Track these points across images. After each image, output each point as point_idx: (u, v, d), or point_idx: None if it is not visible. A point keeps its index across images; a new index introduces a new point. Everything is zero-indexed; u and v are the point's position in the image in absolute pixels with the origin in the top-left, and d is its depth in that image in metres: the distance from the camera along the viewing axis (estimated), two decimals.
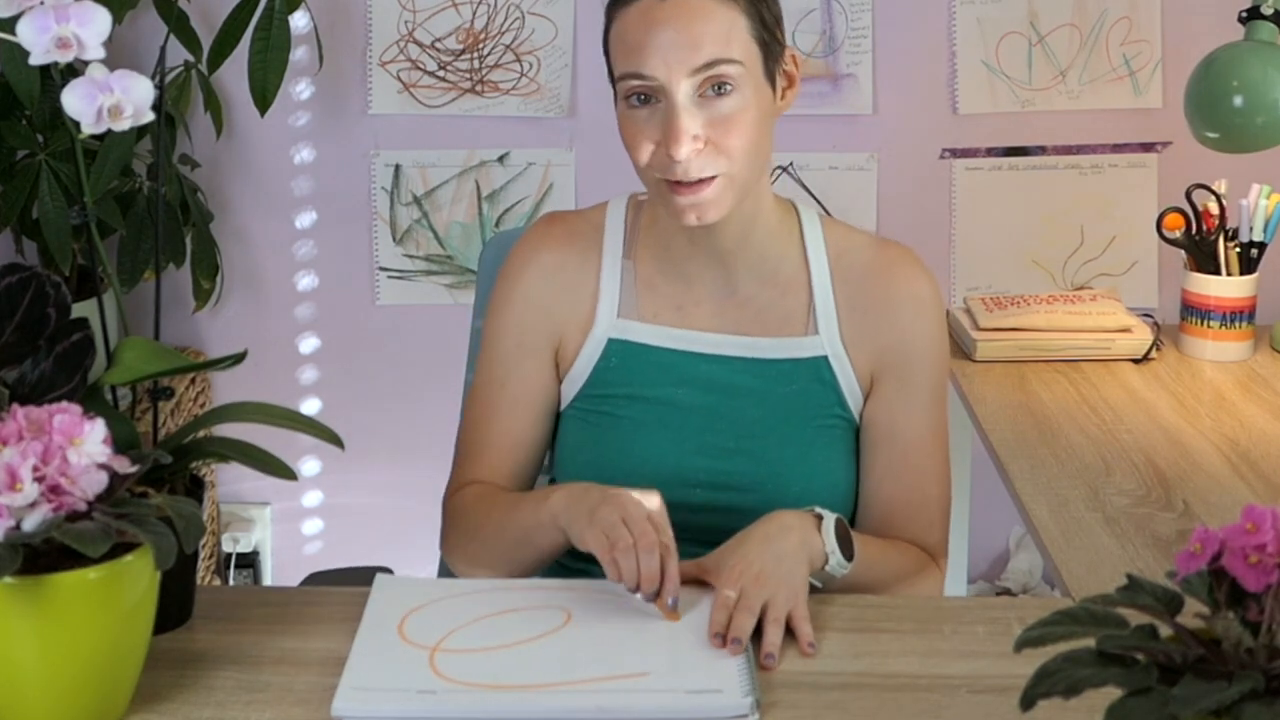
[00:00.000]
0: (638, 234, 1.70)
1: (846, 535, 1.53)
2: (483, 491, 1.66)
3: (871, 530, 1.68)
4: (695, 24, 1.52)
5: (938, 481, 1.69)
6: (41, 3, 1.36)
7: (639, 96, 1.55)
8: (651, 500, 1.46)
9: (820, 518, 1.52)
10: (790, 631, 1.41)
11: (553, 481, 1.75)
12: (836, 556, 1.50)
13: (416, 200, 2.84)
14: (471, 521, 1.64)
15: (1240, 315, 2.40)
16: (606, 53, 1.61)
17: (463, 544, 1.66)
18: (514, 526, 1.58)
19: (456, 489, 1.70)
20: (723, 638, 1.38)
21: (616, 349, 1.67)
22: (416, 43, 2.78)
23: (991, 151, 2.83)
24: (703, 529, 1.60)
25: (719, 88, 1.53)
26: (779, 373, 1.66)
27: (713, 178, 1.54)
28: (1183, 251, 2.46)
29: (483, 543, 1.62)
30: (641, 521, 1.42)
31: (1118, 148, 2.82)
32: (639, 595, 1.40)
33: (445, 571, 1.83)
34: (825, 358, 1.66)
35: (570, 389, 1.69)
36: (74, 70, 1.40)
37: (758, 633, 1.40)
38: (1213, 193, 2.42)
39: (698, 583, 1.49)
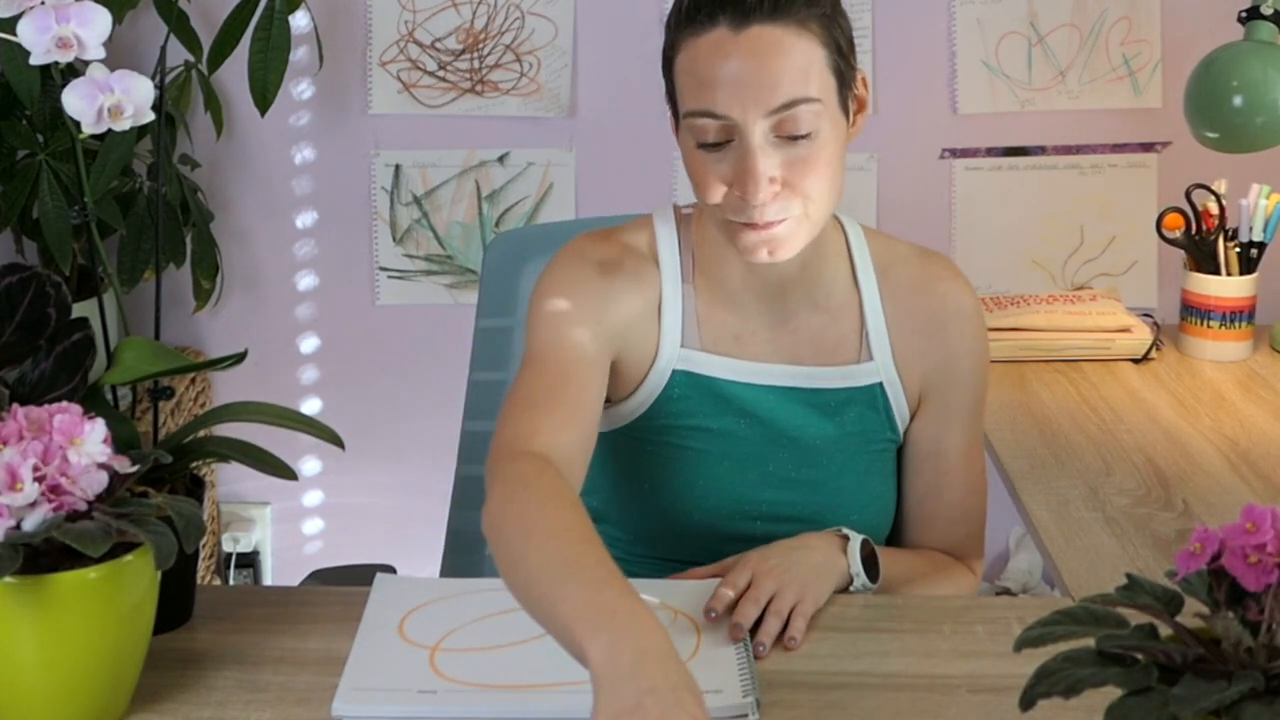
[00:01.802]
0: (691, 256, 1.62)
1: (872, 555, 1.53)
2: (558, 500, 1.37)
3: (911, 542, 1.68)
4: (774, 60, 1.42)
5: (977, 492, 1.69)
6: (42, 3, 1.36)
7: (710, 137, 1.45)
8: (688, 708, 1.14)
9: (846, 539, 1.52)
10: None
11: (586, 493, 1.71)
12: (861, 579, 1.51)
13: (416, 200, 2.84)
14: (519, 527, 1.34)
15: (1240, 315, 2.40)
16: (668, 76, 1.51)
17: (511, 537, 1.34)
18: (546, 605, 1.26)
19: (523, 451, 1.43)
20: (718, 615, 1.40)
21: (681, 380, 1.61)
22: (416, 43, 2.78)
23: (991, 151, 2.82)
24: None
25: (796, 127, 1.44)
26: (835, 402, 1.63)
27: (788, 217, 1.47)
28: (1182, 251, 2.46)
29: (511, 567, 1.32)
30: None
31: (1118, 148, 2.82)
32: None
33: (446, 571, 1.83)
34: (880, 384, 1.63)
35: (625, 415, 1.63)
36: (74, 70, 1.41)
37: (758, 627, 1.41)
38: (1212, 193, 2.42)
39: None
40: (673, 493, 1.63)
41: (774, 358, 1.62)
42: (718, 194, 1.47)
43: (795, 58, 1.43)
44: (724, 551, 1.60)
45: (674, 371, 1.61)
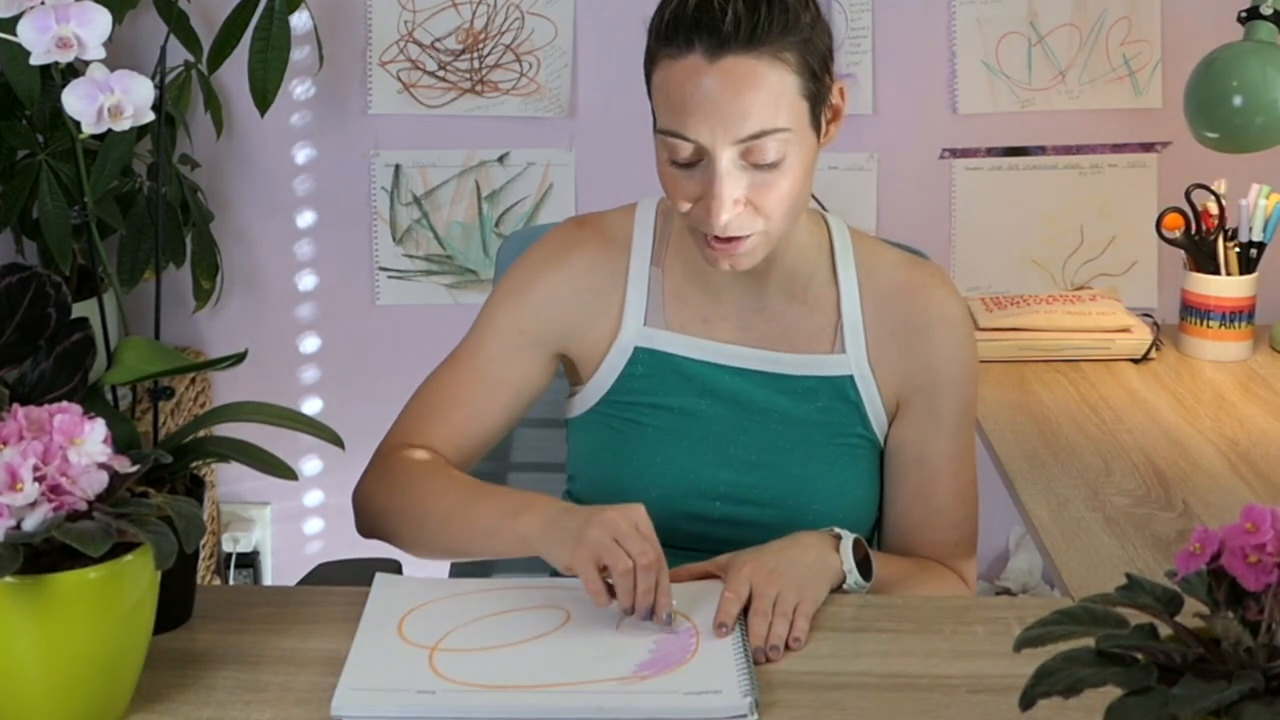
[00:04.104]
0: (667, 241, 1.67)
1: (865, 555, 1.53)
2: (436, 464, 1.61)
3: (898, 550, 1.67)
4: (745, 92, 1.45)
5: (966, 500, 1.68)
6: (42, 3, 1.36)
7: (681, 157, 1.49)
8: (637, 513, 1.41)
9: (839, 538, 1.52)
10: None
11: (570, 479, 1.76)
12: (854, 575, 1.51)
13: (416, 200, 2.84)
14: (415, 490, 1.59)
15: (1240, 315, 2.40)
16: (647, 84, 1.53)
17: (395, 506, 1.60)
18: (470, 524, 1.53)
19: (403, 443, 1.65)
20: (728, 629, 1.40)
21: (644, 357, 1.65)
22: (416, 43, 2.78)
23: (991, 151, 2.82)
24: (721, 541, 1.59)
25: (763, 156, 1.47)
26: (803, 389, 1.64)
27: (750, 234, 1.51)
28: (1182, 251, 2.46)
29: (421, 520, 1.58)
30: (637, 540, 1.38)
31: (1118, 148, 2.82)
32: (633, 616, 1.39)
33: (453, 571, 1.83)
34: (850, 377, 1.64)
35: (592, 395, 1.67)
36: (74, 70, 1.41)
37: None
38: (1212, 193, 2.42)
39: (706, 576, 1.51)
40: (631, 470, 1.65)
41: (743, 341, 1.65)
42: (684, 207, 1.52)
43: (767, 89, 1.46)
44: (682, 531, 1.62)
45: (636, 348, 1.65)
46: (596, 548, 1.38)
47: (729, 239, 1.51)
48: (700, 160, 1.49)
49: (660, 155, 1.52)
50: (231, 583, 2.96)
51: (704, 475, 1.64)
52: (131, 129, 1.40)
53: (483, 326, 1.68)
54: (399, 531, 1.60)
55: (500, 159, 2.83)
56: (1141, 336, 2.41)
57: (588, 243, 1.68)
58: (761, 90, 1.45)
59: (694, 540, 1.63)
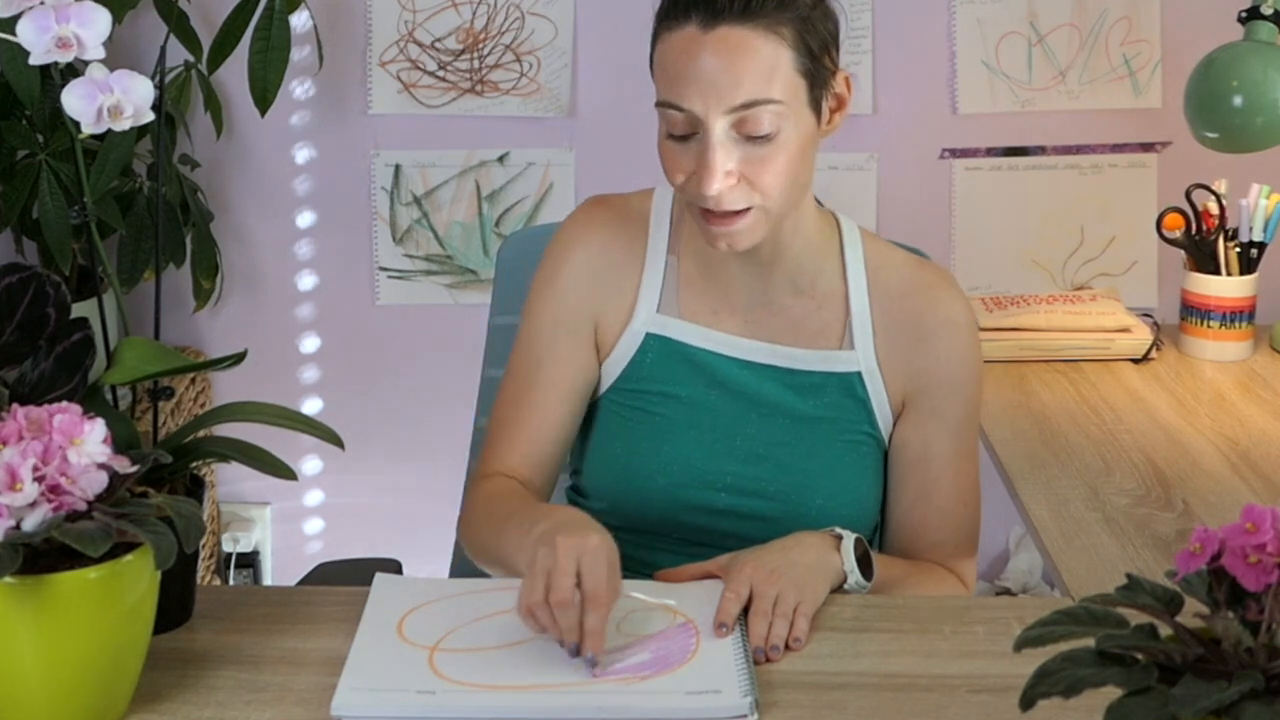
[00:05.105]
0: (682, 229, 1.68)
1: (866, 555, 1.53)
2: (503, 491, 1.63)
3: (899, 550, 1.68)
4: (738, 61, 1.47)
5: (968, 503, 1.68)
6: (42, 3, 1.36)
7: (677, 129, 1.51)
8: (587, 545, 1.34)
9: (840, 538, 1.53)
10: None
11: (575, 473, 1.76)
12: (855, 575, 1.51)
13: (416, 200, 2.84)
14: (483, 519, 1.61)
15: (1240, 315, 2.40)
16: (651, 67, 1.56)
17: (472, 538, 1.64)
18: (507, 545, 1.51)
19: (485, 474, 1.67)
20: (728, 629, 1.40)
21: (654, 344, 1.66)
22: (416, 43, 2.78)
23: (991, 151, 2.82)
24: (724, 533, 1.60)
25: (757, 127, 1.48)
26: (811, 385, 1.65)
27: (747, 209, 1.52)
28: (1182, 251, 2.46)
29: (483, 548, 1.61)
30: (562, 575, 1.32)
31: (1117, 148, 2.82)
32: (563, 648, 1.34)
33: (457, 566, 1.83)
34: (859, 374, 1.64)
35: (603, 382, 1.69)
36: (74, 70, 1.41)
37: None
38: (1212, 193, 2.42)
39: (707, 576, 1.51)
40: (638, 457, 1.65)
41: (752, 335, 1.66)
42: (679, 179, 1.54)
43: (760, 59, 1.48)
44: (687, 521, 1.63)
45: (648, 335, 1.66)
46: (534, 572, 1.34)
47: (725, 215, 1.52)
48: (695, 133, 1.51)
49: (660, 130, 1.54)
50: (231, 583, 2.96)
51: (710, 466, 1.64)
52: (131, 129, 1.40)
53: (526, 330, 1.70)
54: (484, 563, 1.63)
55: (500, 159, 2.83)
56: (1141, 336, 2.41)
57: (609, 222, 1.70)
58: (754, 60, 1.48)
59: (698, 531, 1.64)
